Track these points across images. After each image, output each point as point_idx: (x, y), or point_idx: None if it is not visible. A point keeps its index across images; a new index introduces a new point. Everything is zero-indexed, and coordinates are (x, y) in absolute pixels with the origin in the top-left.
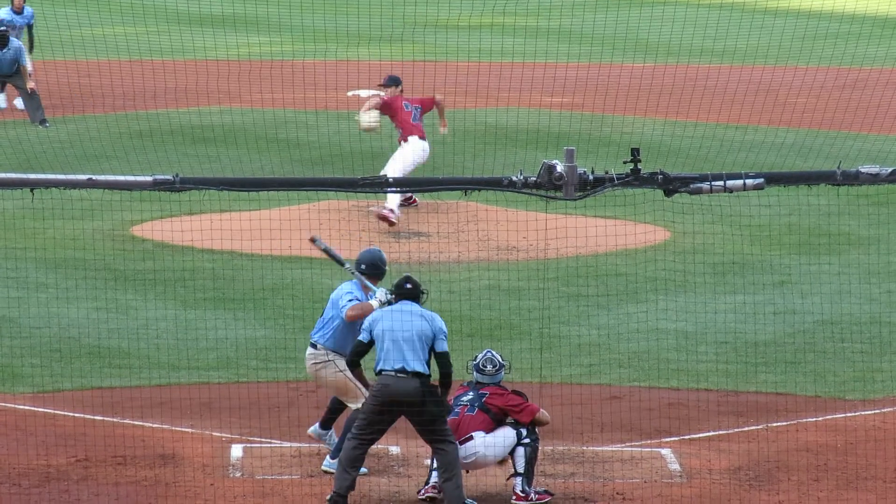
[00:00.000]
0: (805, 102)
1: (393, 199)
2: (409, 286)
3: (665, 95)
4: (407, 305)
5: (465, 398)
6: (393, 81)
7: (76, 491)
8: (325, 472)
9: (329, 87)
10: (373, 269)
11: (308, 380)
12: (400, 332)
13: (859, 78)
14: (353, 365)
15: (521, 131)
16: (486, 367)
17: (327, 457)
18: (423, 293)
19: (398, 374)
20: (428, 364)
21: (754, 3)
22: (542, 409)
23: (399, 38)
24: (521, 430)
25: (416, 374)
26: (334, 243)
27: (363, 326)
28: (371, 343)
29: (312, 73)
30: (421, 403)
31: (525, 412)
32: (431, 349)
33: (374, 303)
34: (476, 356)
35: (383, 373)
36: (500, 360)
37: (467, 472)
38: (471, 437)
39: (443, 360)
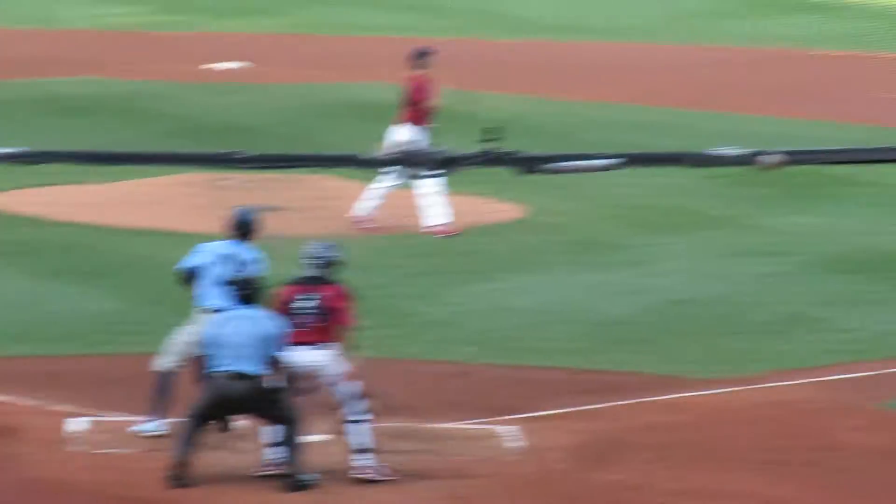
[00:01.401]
0: (667, 80)
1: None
2: (239, 290)
3: (530, 71)
4: (243, 311)
5: (306, 305)
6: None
7: None
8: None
9: (190, 59)
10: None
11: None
12: (233, 336)
13: (721, 58)
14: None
15: (386, 107)
16: (320, 255)
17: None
18: (255, 290)
19: (229, 378)
20: (266, 364)
21: None
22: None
23: (266, 10)
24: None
25: (247, 376)
26: (186, 218)
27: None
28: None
29: (175, 45)
30: (253, 402)
31: (347, 319)
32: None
33: None
34: (305, 249)
35: (213, 376)
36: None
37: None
38: (311, 346)
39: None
